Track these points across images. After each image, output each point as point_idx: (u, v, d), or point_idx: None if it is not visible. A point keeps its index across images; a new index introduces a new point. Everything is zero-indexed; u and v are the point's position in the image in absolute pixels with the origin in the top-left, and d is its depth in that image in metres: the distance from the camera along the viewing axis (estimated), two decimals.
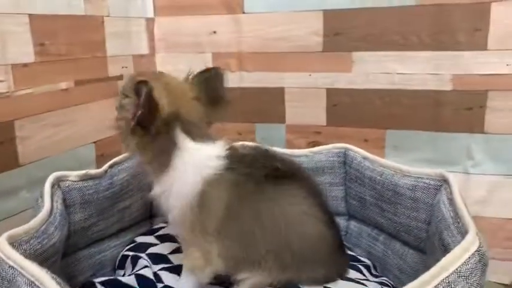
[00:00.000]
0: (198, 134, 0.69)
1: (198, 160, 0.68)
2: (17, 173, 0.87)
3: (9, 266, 0.49)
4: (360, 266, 0.78)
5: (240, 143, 0.82)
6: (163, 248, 0.83)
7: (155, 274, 0.76)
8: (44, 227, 0.62)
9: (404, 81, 1.03)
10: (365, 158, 0.87)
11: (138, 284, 0.73)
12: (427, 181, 0.75)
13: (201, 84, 0.72)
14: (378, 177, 0.82)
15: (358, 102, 1.07)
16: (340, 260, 0.77)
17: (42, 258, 0.58)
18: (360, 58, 1.05)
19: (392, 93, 1.04)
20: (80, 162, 1.01)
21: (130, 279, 0.75)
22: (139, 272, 0.77)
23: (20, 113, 0.87)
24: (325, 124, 1.12)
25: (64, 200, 0.76)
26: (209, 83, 0.72)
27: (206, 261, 0.67)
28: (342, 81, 1.08)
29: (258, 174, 0.68)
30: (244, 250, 0.68)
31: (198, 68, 0.78)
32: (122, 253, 0.87)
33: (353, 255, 0.85)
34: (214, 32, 1.17)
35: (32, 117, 0.90)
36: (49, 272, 0.47)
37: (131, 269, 0.81)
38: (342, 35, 1.05)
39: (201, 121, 0.71)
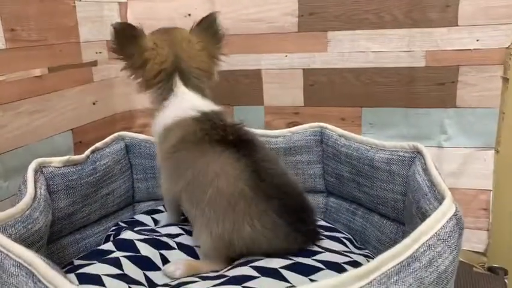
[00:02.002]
0: (194, 85, 0.80)
1: (182, 104, 0.78)
2: None
3: None
4: (342, 239, 0.81)
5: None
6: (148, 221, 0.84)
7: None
8: (28, 212, 0.61)
9: (379, 59, 1.05)
10: (341, 135, 0.89)
11: (116, 247, 0.73)
12: (401, 154, 0.77)
13: (202, 32, 0.83)
14: (354, 153, 0.84)
15: (334, 82, 1.09)
16: (288, 231, 0.70)
17: (28, 243, 0.58)
18: (335, 37, 1.06)
19: (368, 71, 1.06)
20: (58, 150, 1.00)
21: (108, 245, 0.75)
22: (119, 237, 0.78)
23: None
24: (303, 104, 1.13)
25: (48, 186, 0.75)
26: (208, 28, 0.84)
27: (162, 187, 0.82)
28: (318, 61, 1.09)
29: (212, 134, 0.74)
30: (176, 186, 0.76)
31: None
32: (105, 235, 0.87)
33: (333, 227, 0.87)
34: (189, 15, 1.16)
35: (5, 105, 0.88)
36: (35, 253, 0.47)
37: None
38: (317, 14, 1.06)
39: (203, 74, 0.82)
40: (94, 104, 1.12)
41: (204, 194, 0.70)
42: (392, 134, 1.07)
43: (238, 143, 0.73)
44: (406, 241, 0.46)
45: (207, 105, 0.79)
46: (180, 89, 0.79)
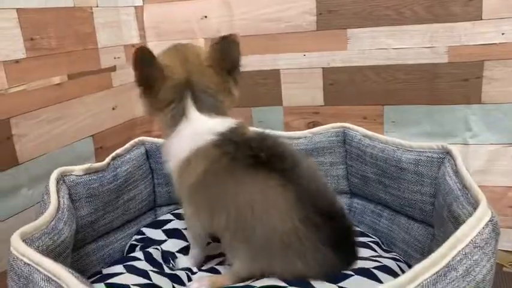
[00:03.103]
0: (208, 105, 0.72)
1: (196, 130, 0.71)
2: (16, 171, 0.86)
3: (25, 263, 0.48)
4: (369, 243, 0.79)
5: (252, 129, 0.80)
6: (171, 246, 0.83)
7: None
8: (53, 223, 0.61)
9: (400, 55, 1.03)
10: (365, 135, 0.87)
11: (144, 257, 0.73)
12: (429, 154, 0.75)
13: (217, 53, 0.73)
14: (380, 154, 0.83)
15: (354, 80, 1.07)
16: (333, 259, 0.65)
17: (54, 254, 0.58)
18: (355, 35, 1.04)
19: (389, 68, 1.04)
20: (79, 156, 1.00)
21: (137, 254, 0.75)
22: (147, 250, 0.78)
23: (15, 111, 0.86)
24: (322, 104, 1.11)
25: (70, 195, 0.75)
26: (225, 51, 0.73)
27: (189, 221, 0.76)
28: (338, 59, 1.07)
29: (239, 157, 0.67)
30: (213, 222, 0.70)
31: None
32: (130, 242, 0.87)
33: (361, 231, 0.85)
34: (205, 17, 1.15)
35: (27, 114, 0.89)
36: (64, 267, 0.47)
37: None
38: (335, 12, 1.04)
39: (216, 92, 0.73)
40: (114, 109, 1.12)
41: (252, 232, 0.64)
42: (416, 131, 1.04)
43: (272, 160, 0.66)
44: (441, 249, 0.44)
45: (222, 124, 0.71)
46: (192, 111, 0.71)
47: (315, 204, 0.64)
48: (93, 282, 0.68)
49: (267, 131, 0.76)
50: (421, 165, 0.76)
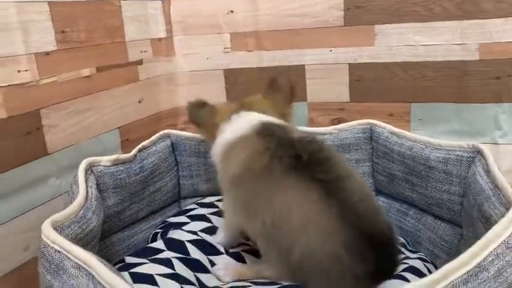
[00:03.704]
0: (260, 111, 0.75)
1: (245, 119, 0.73)
2: (45, 161, 0.88)
3: (56, 251, 0.49)
4: None
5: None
6: (194, 226, 0.84)
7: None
8: (81, 212, 0.62)
9: (429, 52, 1.01)
10: (392, 133, 0.86)
11: (167, 247, 0.74)
12: (459, 153, 0.74)
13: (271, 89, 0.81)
14: (408, 152, 0.81)
15: (381, 76, 1.05)
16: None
17: (83, 243, 0.59)
18: (383, 31, 1.03)
19: (417, 65, 1.02)
20: (106, 148, 1.02)
21: (158, 244, 0.76)
22: (168, 236, 0.78)
23: (45, 102, 0.88)
24: (348, 100, 1.10)
25: (97, 185, 0.77)
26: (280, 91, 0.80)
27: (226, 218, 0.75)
28: (365, 55, 1.06)
29: (280, 156, 0.65)
30: (248, 225, 0.68)
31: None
32: (153, 232, 0.88)
33: None
34: (231, 12, 1.15)
35: (57, 105, 0.90)
36: (94, 255, 0.48)
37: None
38: (363, 8, 1.03)
39: (268, 110, 0.76)
40: (140, 102, 1.13)
41: (289, 247, 0.60)
42: (443, 130, 1.02)
43: (314, 166, 0.62)
44: (473, 249, 0.44)
45: (271, 119, 0.72)
46: (243, 110, 0.76)
47: (362, 228, 0.58)
48: (118, 269, 0.70)
49: (315, 135, 0.77)
50: (450, 164, 0.74)
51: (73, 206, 0.61)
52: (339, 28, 1.06)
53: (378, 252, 0.58)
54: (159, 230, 0.86)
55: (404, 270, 0.64)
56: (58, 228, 0.54)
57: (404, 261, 0.69)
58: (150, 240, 0.87)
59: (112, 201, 0.80)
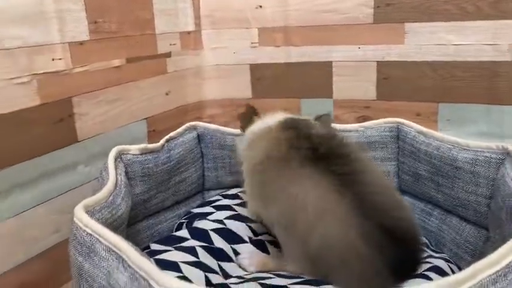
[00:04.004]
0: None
1: (273, 115, 0.77)
2: (75, 148, 0.90)
3: (87, 234, 0.51)
4: None
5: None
6: (219, 215, 0.85)
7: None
8: (111, 198, 0.64)
9: (459, 52, 1.00)
10: (419, 132, 0.85)
11: (191, 235, 0.75)
12: (488, 155, 0.73)
13: None
14: (435, 152, 0.81)
15: (410, 75, 1.04)
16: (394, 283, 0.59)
17: (112, 228, 0.61)
18: (413, 29, 1.02)
19: (447, 65, 1.01)
20: (133, 137, 1.03)
21: (183, 232, 0.77)
22: (193, 226, 0.79)
23: (77, 90, 0.90)
24: (374, 98, 1.09)
25: (126, 173, 0.78)
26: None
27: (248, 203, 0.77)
28: (394, 53, 1.05)
29: (298, 147, 0.66)
30: (266, 212, 0.70)
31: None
32: (178, 222, 0.89)
33: None
34: (260, 7, 1.16)
35: (88, 94, 0.92)
36: (124, 239, 0.49)
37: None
38: (394, 5, 1.02)
39: None
40: (167, 94, 1.15)
41: (306, 236, 0.61)
42: (472, 131, 1.01)
43: (332, 159, 0.63)
44: (502, 250, 0.43)
45: (299, 116, 0.78)
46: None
47: (379, 220, 0.58)
48: None
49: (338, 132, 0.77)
50: (478, 165, 0.73)
51: (103, 192, 0.63)
52: (368, 25, 1.06)
53: (399, 247, 0.57)
54: (184, 220, 0.88)
55: (427, 269, 0.64)
56: (89, 212, 0.56)
57: (428, 260, 0.68)
58: (174, 229, 0.88)
59: (139, 189, 0.82)
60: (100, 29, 0.94)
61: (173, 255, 0.69)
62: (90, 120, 0.93)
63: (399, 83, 1.06)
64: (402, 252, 0.58)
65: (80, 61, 0.90)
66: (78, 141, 0.91)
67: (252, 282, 0.63)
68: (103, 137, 0.96)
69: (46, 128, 0.84)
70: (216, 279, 0.66)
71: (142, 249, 0.76)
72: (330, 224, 0.59)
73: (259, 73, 1.20)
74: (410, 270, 0.61)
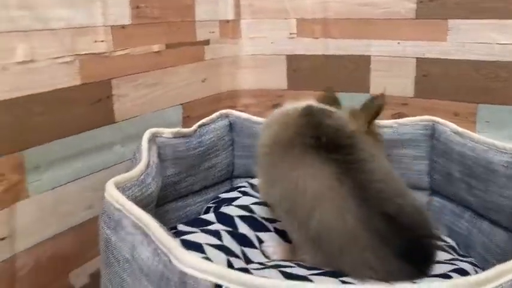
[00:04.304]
0: None
1: (293, 103, 0.75)
2: (112, 129, 0.93)
3: (116, 208, 0.53)
4: (445, 247, 0.76)
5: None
6: (246, 200, 0.86)
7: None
8: (142, 177, 0.66)
9: (505, 52, 0.96)
10: (455, 132, 0.83)
11: (217, 219, 0.77)
12: None
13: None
14: (469, 153, 0.79)
15: (450, 74, 1.02)
16: (403, 270, 0.58)
17: (142, 205, 0.63)
18: (457, 26, 0.99)
19: (490, 65, 0.97)
20: (169, 121, 1.06)
21: (209, 216, 0.78)
22: (220, 211, 0.81)
23: (117, 73, 0.93)
24: (412, 95, 1.07)
25: (158, 154, 0.81)
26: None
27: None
28: (435, 50, 1.02)
29: (303, 134, 0.67)
30: (268, 192, 0.71)
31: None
32: (206, 206, 0.91)
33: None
34: None
35: (127, 76, 0.95)
36: (151, 216, 0.51)
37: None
38: (437, 1, 0.99)
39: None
40: (203, 81, 1.17)
41: (306, 221, 0.62)
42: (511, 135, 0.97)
43: (334, 148, 0.63)
44: None
45: (324, 106, 0.74)
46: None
47: (380, 207, 0.58)
48: None
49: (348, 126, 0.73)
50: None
51: (135, 171, 0.65)
52: (409, 21, 1.03)
53: (403, 234, 0.57)
54: (211, 205, 0.89)
55: (451, 270, 0.63)
56: (120, 188, 0.58)
57: (454, 262, 0.67)
58: (202, 212, 0.90)
59: (170, 172, 0.84)
60: (142, 14, 0.97)
61: (198, 236, 0.70)
62: (128, 102, 0.96)
63: (439, 81, 1.03)
64: (408, 239, 0.58)
65: (121, 44, 0.93)
66: (115, 122, 0.94)
67: (272, 269, 0.64)
68: (139, 120, 0.99)
69: (85, 108, 0.88)
70: (238, 263, 0.67)
71: (170, 229, 0.79)
72: (328, 210, 0.60)
73: (295, 64, 1.20)
74: (423, 259, 0.60)
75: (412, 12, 1.02)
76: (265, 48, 1.22)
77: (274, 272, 0.63)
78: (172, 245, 0.45)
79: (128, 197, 0.59)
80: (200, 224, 0.76)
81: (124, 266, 0.49)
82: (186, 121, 1.12)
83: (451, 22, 0.99)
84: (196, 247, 0.67)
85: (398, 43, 1.06)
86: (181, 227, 0.77)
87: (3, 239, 0.77)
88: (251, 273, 0.62)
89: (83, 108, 0.88)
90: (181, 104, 1.11)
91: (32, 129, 0.79)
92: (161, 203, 0.85)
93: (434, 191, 0.91)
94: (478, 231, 0.79)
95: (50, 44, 0.80)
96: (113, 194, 0.55)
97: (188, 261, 0.42)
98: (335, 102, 0.81)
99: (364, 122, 0.77)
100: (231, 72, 1.24)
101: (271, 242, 0.74)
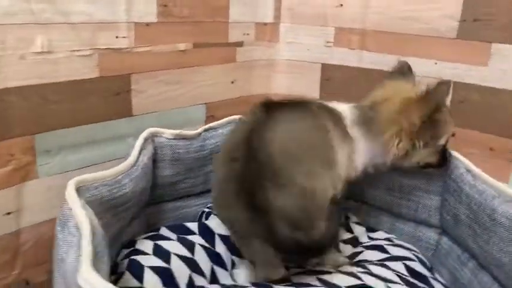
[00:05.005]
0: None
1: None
2: (128, 122, 0.97)
3: (67, 207, 0.55)
4: None
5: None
6: None
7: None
8: (119, 177, 0.68)
9: None
10: (468, 170, 0.74)
11: (199, 230, 0.78)
12: None
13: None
14: (476, 196, 0.70)
15: (489, 103, 0.91)
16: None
17: (110, 205, 0.65)
18: (500, 51, 0.88)
19: None
20: (190, 120, 1.07)
21: (193, 225, 0.79)
22: (205, 222, 0.82)
23: (137, 68, 0.96)
24: None
25: (156, 154, 0.82)
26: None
27: None
28: (474, 75, 0.92)
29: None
30: None
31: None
32: (202, 209, 0.91)
33: (425, 277, 0.75)
34: (341, 5, 1.10)
35: (148, 73, 0.98)
36: (89, 221, 0.51)
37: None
38: (482, 21, 0.89)
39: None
40: (232, 82, 1.16)
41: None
42: None
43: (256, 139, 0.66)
44: None
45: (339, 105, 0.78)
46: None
47: (252, 199, 0.61)
48: (148, 238, 0.75)
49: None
50: None
51: (110, 170, 0.67)
52: (450, 40, 0.94)
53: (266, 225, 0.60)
54: (207, 209, 0.90)
55: None
56: (84, 187, 0.60)
57: None
58: (198, 216, 0.91)
59: (168, 172, 0.85)
60: (169, 13, 0.98)
61: (172, 245, 0.71)
62: (148, 98, 0.99)
63: (475, 110, 0.93)
64: (271, 232, 0.60)
65: (143, 41, 0.95)
66: (133, 116, 0.97)
67: None
68: (158, 115, 1.02)
69: (103, 99, 0.92)
70: (199, 281, 0.67)
71: (155, 230, 0.80)
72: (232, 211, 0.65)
73: (329, 74, 1.15)
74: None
75: (454, 31, 0.93)
76: (301, 55, 1.19)
77: None
78: (86, 255, 0.45)
79: (91, 196, 0.61)
80: (181, 231, 0.76)
81: (59, 265, 0.51)
82: (210, 120, 1.12)
83: (494, 46, 0.89)
84: (165, 255, 0.68)
85: (436, 63, 0.97)
86: (163, 231, 0.78)
87: (9, 213, 0.84)
88: None
89: (100, 100, 0.92)
90: (205, 103, 1.12)
91: (46, 115, 0.85)
92: (158, 201, 0.87)
93: (444, 231, 0.83)
94: (479, 284, 0.71)
95: (69, 37, 0.84)
96: (70, 193, 0.56)
97: (85, 274, 0.42)
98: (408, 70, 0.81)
99: (419, 114, 0.72)
100: (264, 75, 1.22)
101: (243, 269, 0.72)
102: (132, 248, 0.72)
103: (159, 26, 0.97)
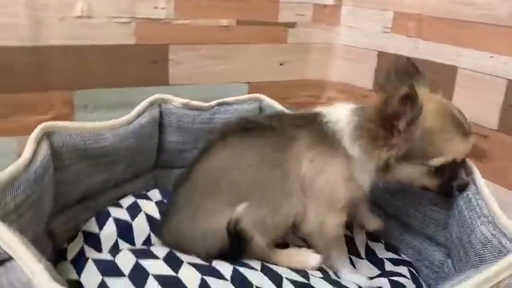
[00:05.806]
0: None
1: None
2: (165, 90, 0.99)
3: None
4: None
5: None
6: None
7: None
8: (101, 131, 0.73)
9: None
10: (474, 183, 0.61)
11: None
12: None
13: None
14: (465, 212, 0.58)
15: None
16: None
17: (85, 154, 0.70)
18: None
19: None
20: (227, 95, 1.08)
21: None
22: None
23: (175, 40, 1.00)
24: (495, 127, 0.82)
25: (161, 119, 0.85)
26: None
27: None
28: None
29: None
30: None
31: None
32: None
33: None
34: None
35: (187, 45, 1.01)
36: None
37: None
38: None
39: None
40: (281, 64, 1.13)
41: None
42: None
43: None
44: None
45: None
46: None
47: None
48: (136, 195, 0.79)
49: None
50: (488, 249, 0.50)
51: (89, 124, 0.72)
52: (508, 29, 0.78)
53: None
54: None
55: None
56: (53, 132, 0.66)
57: None
58: None
59: (174, 138, 0.87)
60: None
61: (148, 205, 0.76)
62: (186, 69, 1.03)
63: None
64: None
65: (182, 13, 0.98)
66: (169, 85, 1.02)
67: None
68: (194, 88, 1.04)
69: (139, 66, 0.98)
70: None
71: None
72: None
73: (385, 62, 1.05)
74: None
75: None
76: (360, 41, 1.10)
77: None
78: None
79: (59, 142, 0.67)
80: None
81: None
82: None
83: None
84: (136, 211, 0.74)
85: (491, 57, 0.81)
86: (154, 192, 0.82)
87: None
88: None
89: (136, 66, 0.98)
90: (248, 83, 1.11)
91: (85, 73, 0.94)
92: (166, 166, 0.90)
93: (449, 254, 0.69)
94: None
95: (108, 4, 0.92)
96: (31, 136, 0.62)
97: None
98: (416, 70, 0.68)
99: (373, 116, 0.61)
100: (319, 59, 1.16)
101: None
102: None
103: (201, 1, 0.99)
